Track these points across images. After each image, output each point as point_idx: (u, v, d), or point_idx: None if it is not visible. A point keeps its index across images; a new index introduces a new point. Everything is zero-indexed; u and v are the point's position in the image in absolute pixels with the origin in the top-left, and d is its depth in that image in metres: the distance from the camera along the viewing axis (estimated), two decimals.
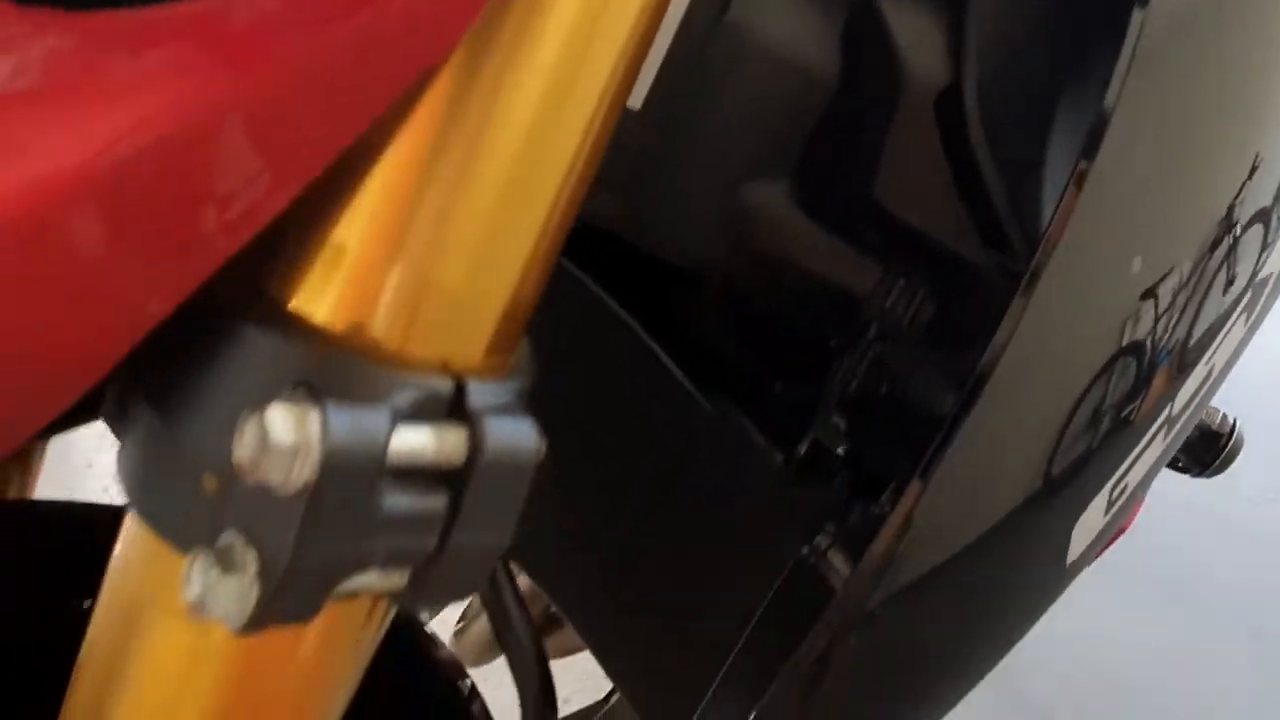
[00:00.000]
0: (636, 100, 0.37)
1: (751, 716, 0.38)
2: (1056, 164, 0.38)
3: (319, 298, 0.21)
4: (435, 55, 0.20)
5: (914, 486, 0.33)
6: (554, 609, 0.81)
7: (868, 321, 0.40)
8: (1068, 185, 0.31)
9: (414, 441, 0.20)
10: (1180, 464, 0.76)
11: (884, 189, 0.38)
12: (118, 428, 0.23)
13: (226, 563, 0.19)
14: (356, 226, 0.21)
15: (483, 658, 0.93)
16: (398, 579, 0.22)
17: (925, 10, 0.37)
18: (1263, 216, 0.40)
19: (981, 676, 0.41)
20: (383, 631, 0.26)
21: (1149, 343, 0.34)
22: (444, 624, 0.93)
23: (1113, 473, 0.33)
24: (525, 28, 0.21)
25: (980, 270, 0.38)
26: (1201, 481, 1.66)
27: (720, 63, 0.38)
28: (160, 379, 0.21)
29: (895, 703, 0.43)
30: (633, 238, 0.40)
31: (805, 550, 0.40)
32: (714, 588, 0.46)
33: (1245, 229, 0.38)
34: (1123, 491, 0.34)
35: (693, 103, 0.38)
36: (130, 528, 0.24)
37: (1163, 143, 0.34)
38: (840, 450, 0.41)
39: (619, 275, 0.44)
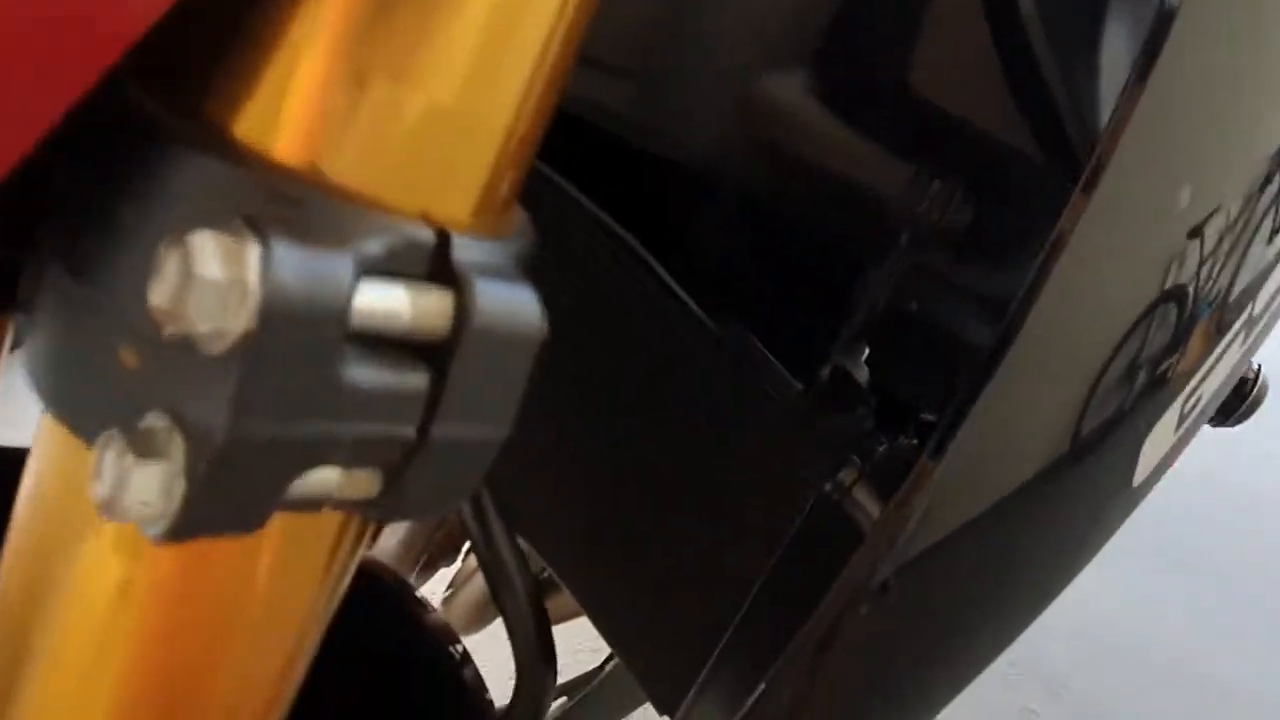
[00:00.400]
0: None
1: (763, 682, 0.34)
2: (1116, 52, 0.34)
3: (271, 124, 0.16)
4: None
5: (954, 413, 0.29)
6: (548, 572, 0.78)
7: (898, 229, 0.35)
8: (1130, 79, 0.27)
9: (386, 300, 0.16)
10: None
11: (919, 75, 0.34)
12: (31, 316, 0.18)
13: (145, 448, 0.15)
14: (318, 36, 0.16)
15: (472, 626, 0.89)
16: (367, 483, 0.17)
17: None
18: None
19: (1036, 617, 0.37)
20: (355, 558, 0.22)
21: (1225, 244, 0.30)
22: (431, 595, 0.89)
23: (1187, 383, 0.29)
24: None
25: (1028, 169, 0.34)
26: (1201, 445, 1.63)
27: None
28: (78, 231, 0.17)
29: (925, 666, 0.39)
30: (632, 136, 0.36)
31: (828, 487, 0.36)
32: (723, 533, 0.42)
33: None
34: (1197, 402, 0.30)
35: None
36: (42, 439, 0.20)
37: (1221, 58, 0.30)
38: (866, 376, 0.37)
39: (615, 184, 0.40)
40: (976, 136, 0.34)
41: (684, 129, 0.36)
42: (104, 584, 0.19)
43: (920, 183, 0.35)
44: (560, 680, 0.94)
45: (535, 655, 0.38)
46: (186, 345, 0.14)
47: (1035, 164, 0.34)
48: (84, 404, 0.17)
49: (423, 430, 0.17)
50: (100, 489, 0.15)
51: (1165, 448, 0.31)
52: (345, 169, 0.17)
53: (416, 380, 0.17)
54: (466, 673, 0.55)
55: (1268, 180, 0.30)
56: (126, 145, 0.16)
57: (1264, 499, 1.66)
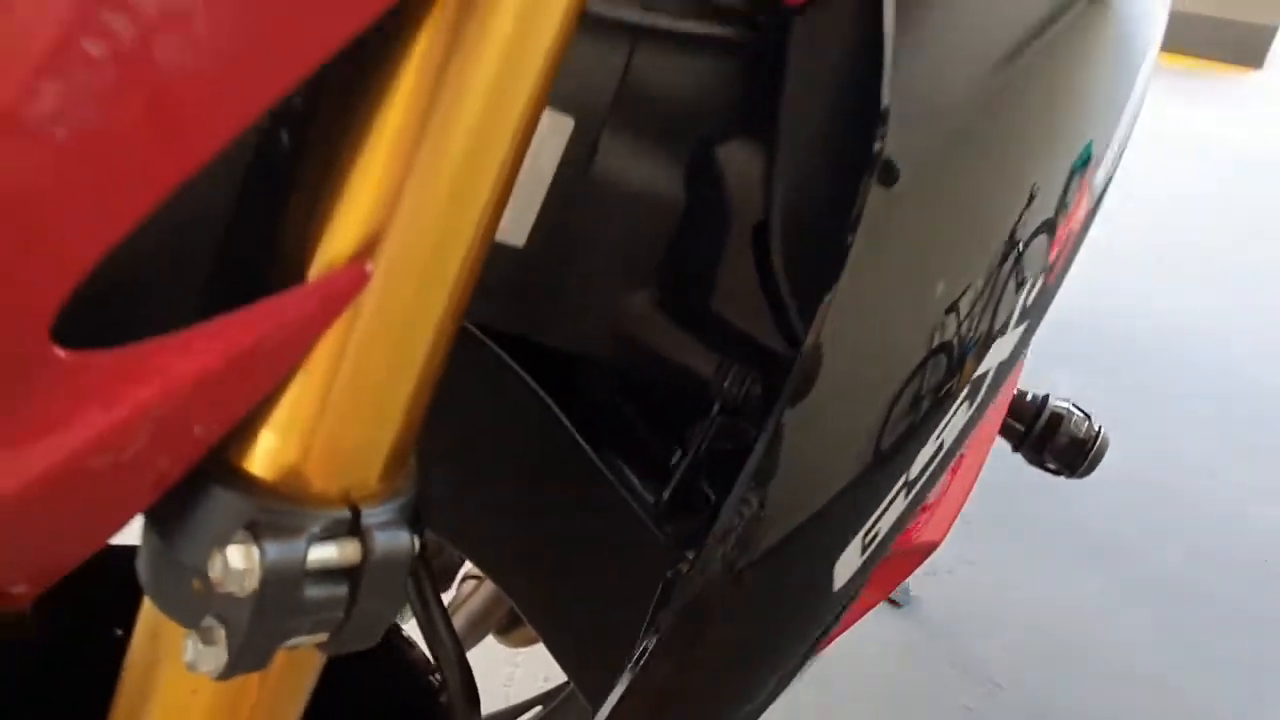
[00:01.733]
0: (520, 239, 0.48)
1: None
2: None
3: (262, 458, 0.32)
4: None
5: (721, 526, 0.45)
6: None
7: (713, 399, 0.51)
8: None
9: (324, 555, 0.32)
10: (1053, 467, 0.87)
11: (720, 298, 0.49)
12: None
13: (207, 638, 0.31)
14: (285, 408, 0.32)
15: (468, 641, 1.05)
16: (321, 635, 0.33)
17: (745, 162, 0.48)
18: (1046, 228, 0.50)
19: (787, 677, 0.53)
20: (319, 665, 0.38)
21: (889, 425, 0.45)
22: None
23: (860, 526, 0.44)
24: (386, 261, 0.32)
25: (787, 362, 0.50)
26: (1142, 454, 1.76)
27: (591, 202, 0.48)
28: (158, 514, 0.33)
29: (722, 697, 0.54)
30: (528, 332, 0.52)
31: (671, 573, 0.52)
32: (624, 602, 0.58)
33: (1023, 250, 0.49)
34: (875, 537, 0.45)
35: (571, 233, 0.49)
36: (149, 607, 0.36)
37: (927, 215, 0.45)
38: (697, 494, 0.53)
39: (524, 351, 0.55)
40: (757, 338, 0.49)
41: (569, 333, 0.51)
42: (184, 688, 0.35)
43: (725, 368, 0.51)
44: (542, 690, 1.09)
45: (460, 687, 0.54)
46: (227, 591, 0.30)
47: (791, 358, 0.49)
48: (172, 600, 0.33)
49: (347, 613, 0.33)
50: (187, 659, 0.31)
51: (855, 568, 0.46)
52: (301, 476, 0.32)
53: (342, 590, 0.32)
54: (444, 700, 0.71)
55: (927, 363, 0.45)
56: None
57: (1196, 503, 1.79)
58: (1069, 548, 1.66)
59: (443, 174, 0.31)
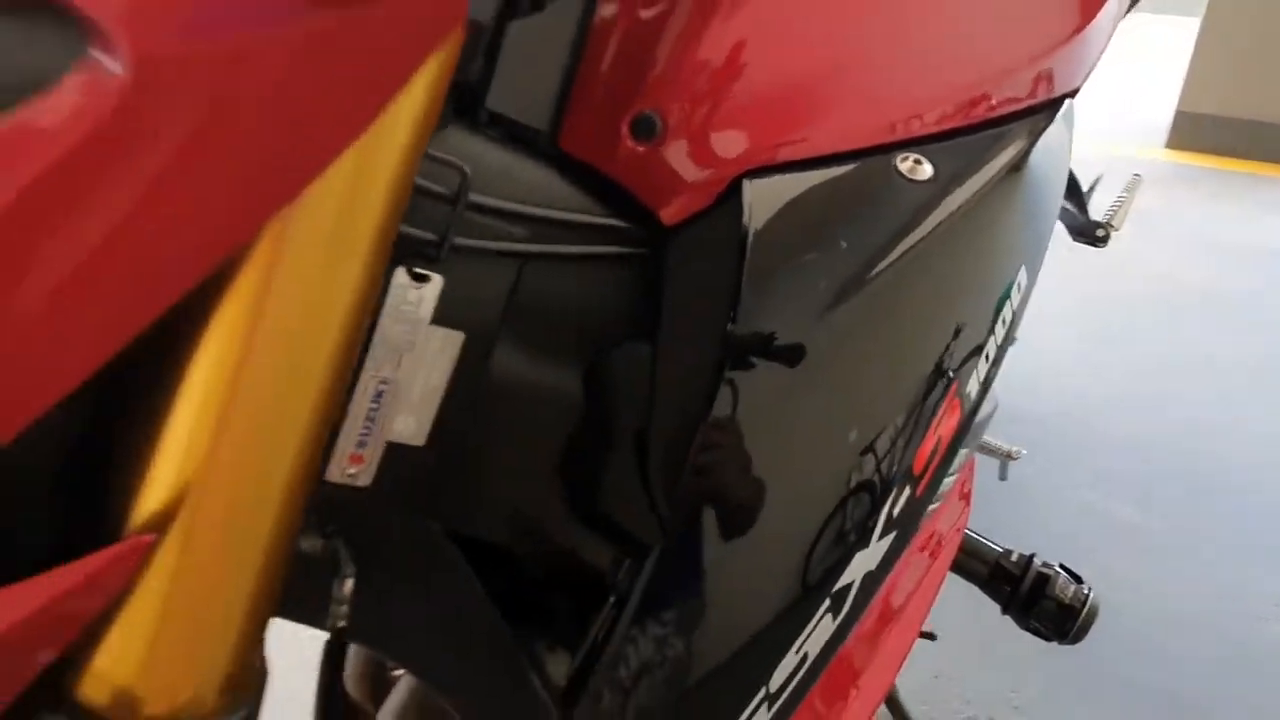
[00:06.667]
0: (420, 439, 0.52)
1: None
2: None
3: (93, 683, 0.36)
4: None
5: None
6: None
7: (609, 586, 0.53)
8: None
9: None
10: (1043, 633, 0.84)
11: (611, 495, 0.52)
12: None
13: None
14: (114, 635, 0.36)
15: None
16: None
17: (631, 364, 0.51)
18: (978, 351, 0.53)
19: None
20: None
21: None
22: None
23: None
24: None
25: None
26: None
27: (487, 404, 0.52)
28: None
29: None
30: (438, 520, 0.55)
31: None
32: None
33: (953, 378, 0.50)
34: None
35: (471, 433, 0.52)
36: None
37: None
38: (595, 683, 0.54)
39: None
40: (640, 536, 0.52)
41: (472, 518, 0.54)
42: None
43: (618, 561, 0.53)
44: None
45: None
46: None
47: None
48: None
49: None
50: None
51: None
52: (139, 705, 0.36)
53: None
54: None
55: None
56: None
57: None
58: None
59: (251, 426, 0.35)
